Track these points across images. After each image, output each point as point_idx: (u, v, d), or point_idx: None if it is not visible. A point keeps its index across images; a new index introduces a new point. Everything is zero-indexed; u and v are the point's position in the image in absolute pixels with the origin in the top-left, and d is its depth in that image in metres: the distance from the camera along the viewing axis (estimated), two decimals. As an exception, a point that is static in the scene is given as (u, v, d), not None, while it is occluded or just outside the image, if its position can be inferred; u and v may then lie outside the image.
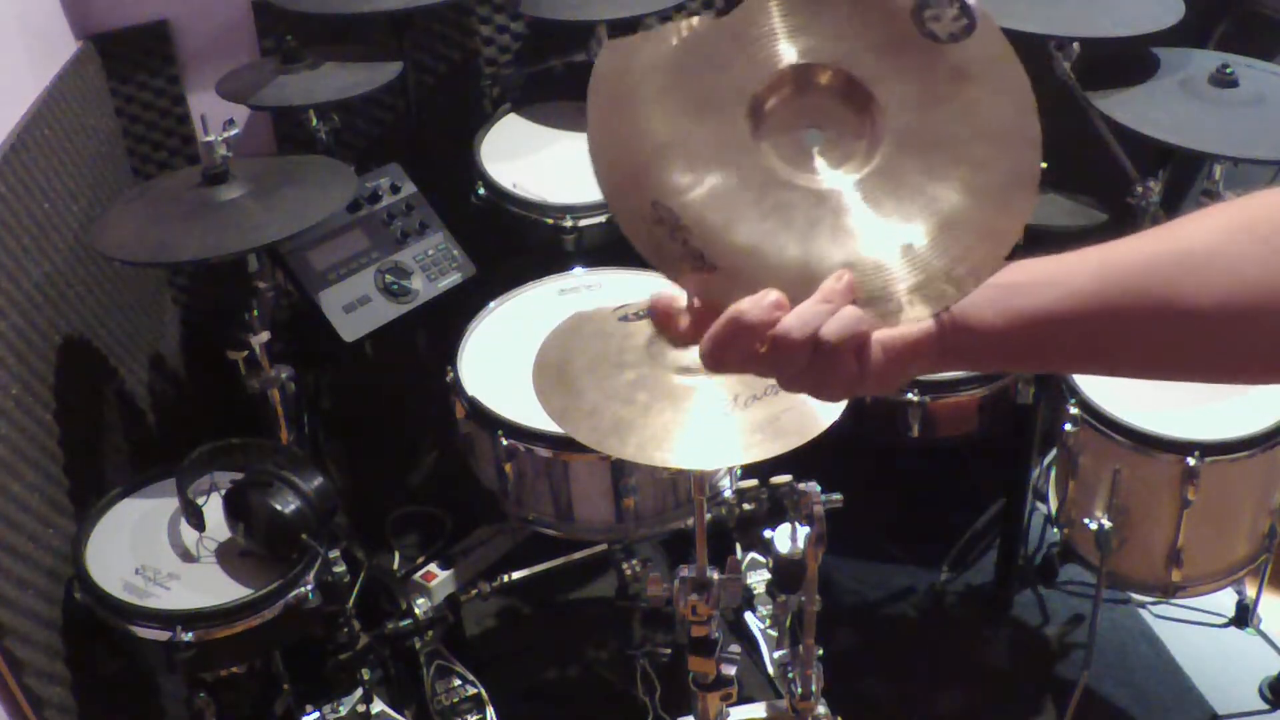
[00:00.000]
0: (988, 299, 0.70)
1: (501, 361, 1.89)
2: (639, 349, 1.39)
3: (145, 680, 1.82)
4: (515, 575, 2.12)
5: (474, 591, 2.09)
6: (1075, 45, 1.92)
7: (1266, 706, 2.07)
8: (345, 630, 1.83)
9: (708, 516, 1.46)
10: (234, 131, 1.81)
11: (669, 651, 2.00)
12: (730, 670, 1.45)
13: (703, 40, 0.70)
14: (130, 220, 1.72)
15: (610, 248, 2.16)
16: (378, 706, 1.88)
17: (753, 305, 0.66)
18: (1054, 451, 2.05)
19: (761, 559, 1.99)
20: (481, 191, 2.19)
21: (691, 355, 1.41)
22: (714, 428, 1.31)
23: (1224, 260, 0.71)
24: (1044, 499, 2.10)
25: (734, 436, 1.30)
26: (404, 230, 2.12)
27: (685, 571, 1.42)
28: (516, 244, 2.19)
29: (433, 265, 2.12)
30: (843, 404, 1.34)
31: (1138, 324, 0.71)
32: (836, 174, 0.69)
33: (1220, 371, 0.75)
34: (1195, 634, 2.21)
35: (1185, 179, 2.26)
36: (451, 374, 1.87)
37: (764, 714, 1.72)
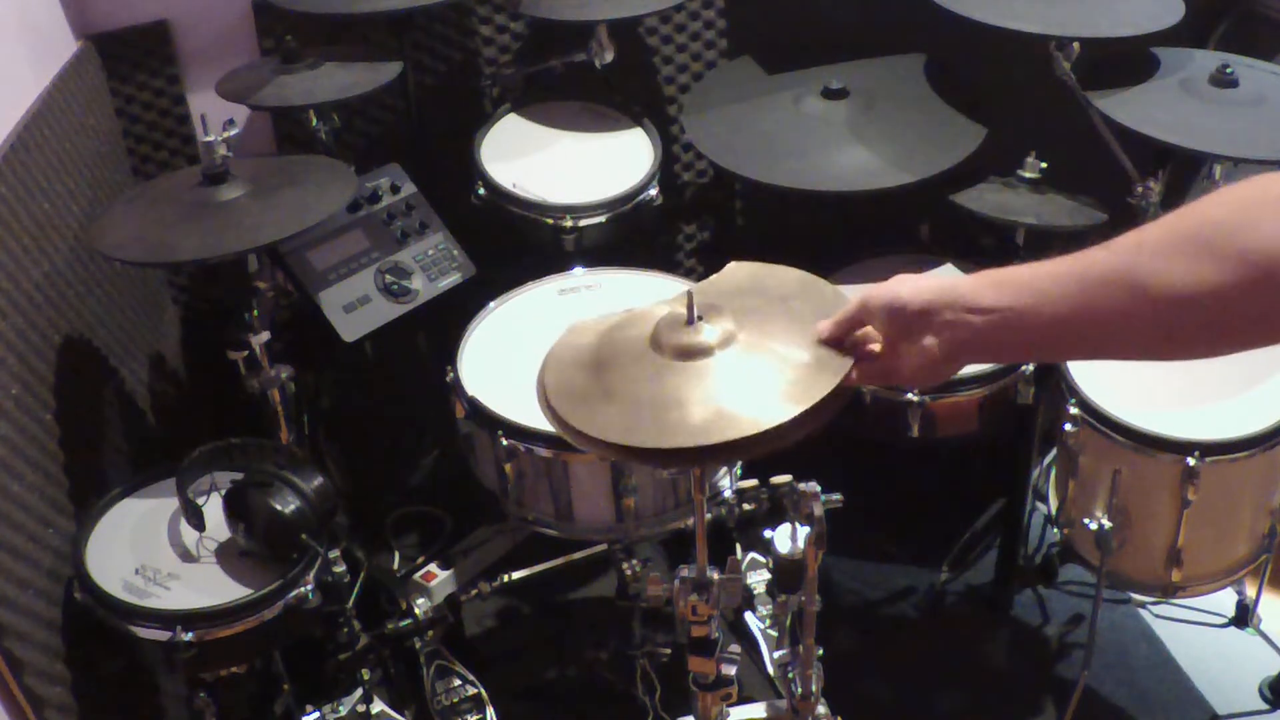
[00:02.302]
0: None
1: (501, 361, 1.90)
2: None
3: (145, 680, 1.82)
4: (515, 575, 2.12)
5: (474, 591, 2.09)
6: (1075, 45, 1.91)
7: (1266, 706, 2.07)
8: (345, 630, 1.83)
9: (708, 516, 1.45)
10: (234, 131, 1.81)
11: (669, 651, 2.00)
12: (730, 670, 1.45)
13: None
14: (130, 220, 1.72)
15: (610, 248, 2.16)
16: (378, 706, 1.88)
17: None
18: (1054, 451, 2.05)
19: (761, 559, 1.99)
20: (481, 191, 2.19)
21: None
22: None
23: (1161, 268, 0.80)
24: (1044, 499, 2.10)
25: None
26: (404, 230, 2.12)
27: (685, 571, 1.41)
28: (516, 244, 2.19)
29: (433, 265, 2.12)
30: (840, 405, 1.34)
31: (1076, 334, 0.88)
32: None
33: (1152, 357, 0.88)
34: (1195, 634, 2.21)
35: (1185, 179, 2.26)
36: (451, 374, 1.87)
37: (764, 714, 1.71)
